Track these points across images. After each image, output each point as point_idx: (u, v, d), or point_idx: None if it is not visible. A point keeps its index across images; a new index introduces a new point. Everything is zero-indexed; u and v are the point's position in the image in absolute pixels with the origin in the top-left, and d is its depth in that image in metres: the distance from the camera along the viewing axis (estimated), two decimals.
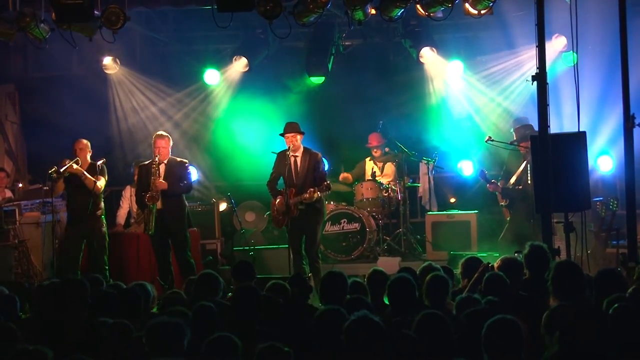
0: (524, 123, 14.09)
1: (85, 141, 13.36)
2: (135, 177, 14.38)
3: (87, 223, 13.04)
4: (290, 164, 13.07)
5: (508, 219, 14.06)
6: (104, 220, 13.38)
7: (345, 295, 7.93)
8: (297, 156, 13.07)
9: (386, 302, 8.04)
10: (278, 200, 13.08)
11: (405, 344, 6.12)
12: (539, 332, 6.31)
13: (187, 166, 13.18)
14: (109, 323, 6.90)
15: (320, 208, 13.16)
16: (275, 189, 13.23)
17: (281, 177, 13.20)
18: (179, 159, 13.15)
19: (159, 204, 12.75)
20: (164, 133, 13.19)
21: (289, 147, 13.02)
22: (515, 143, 13.91)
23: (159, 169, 12.83)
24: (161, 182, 12.74)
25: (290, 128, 13.09)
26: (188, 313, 7.21)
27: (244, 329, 6.87)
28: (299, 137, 13.07)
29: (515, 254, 9.32)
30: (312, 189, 12.71)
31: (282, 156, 13.17)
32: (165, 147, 12.94)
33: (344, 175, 16.17)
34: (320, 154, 13.25)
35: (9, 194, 15.61)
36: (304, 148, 13.18)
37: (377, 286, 8.48)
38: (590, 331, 5.83)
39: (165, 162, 12.92)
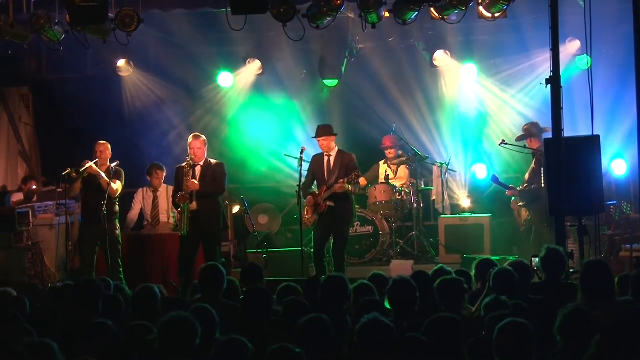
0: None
1: (105, 143, 13.39)
2: (156, 179, 14.50)
3: (102, 225, 13.04)
4: (324, 163, 13.16)
5: (525, 220, 14.12)
6: (118, 224, 13.42)
7: (346, 299, 7.91)
8: (331, 156, 13.15)
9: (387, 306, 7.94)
10: (308, 199, 13.12)
11: (416, 348, 6.11)
12: (549, 336, 6.30)
13: (223, 167, 13.09)
14: (125, 325, 6.91)
15: (350, 208, 13.17)
16: (306, 192, 13.23)
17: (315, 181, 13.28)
18: (214, 161, 13.11)
19: (194, 205, 12.71)
20: (200, 134, 13.16)
21: (323, 150, 13.12)
22: (527, 145, 14.07)
23: (193, 170, 12.83)
24: (193, 182, 12.70)
25: (323, 131, 13.18)
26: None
27: (254, 331, 6.85)
28: (331, 138, 13.13)
29: (532, 258, 9.30)
30: (341, 180, 12.77)
31: (318, 158, 13.28)
32: (201, 149, 12.89)
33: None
34: (354, 155, 13.26)
35: (19, 197, 15.68)
36: (339, 149, 13.26)
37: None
38: (632, 335, 5.78)
39: (201, 163, 12.91)
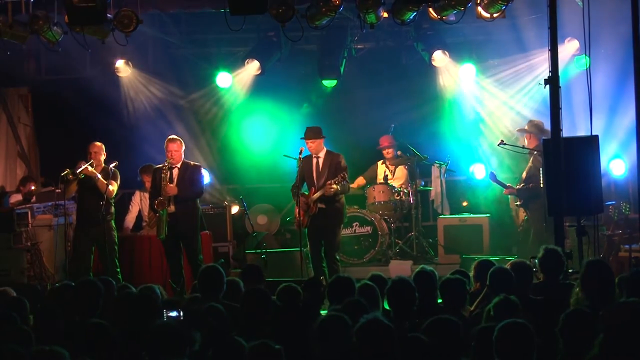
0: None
1: (99, 144, 13.40)
2: (145, 182, 14.48)
3: (98, 227, 13.03)
4: (312, 165, 13.18)
5: (523, 220, 14.13)
6: (114, 225, 13.42)
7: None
8: (319, 157, 13.18)
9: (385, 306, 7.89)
10: (300, 199, 13.10)
11: (415, 348, 6.10)
12: (548, 336, 6.29)
13: (200, 170, 13.13)
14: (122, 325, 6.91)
15: (341, 209, 13.20)
16: (297, 193, 13.19)
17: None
18: (192, 163, 13.12)
19: (171, 208, 12.72)
20: (176, 137, 13.17)
21: (311, 152, 13.13)
22: (525, 145, 14.06)
23: (170, 173, 12.82)
24: (171, 187, 12.71)
25: (311, 134, 13.18)
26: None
27: (254, 332, 6.85)
28: (318, 141, 13.15)
29: (531, 259, 9.30)
30: (328, 183, 12.78)
31: (307, 160, 13.26)
32: (178, 151, 12.89)
33: (358, 181, 16.02)
34: (342, 156, 13.26)
35: (18, 197, 15.67)
36: (327, 150, 13.26)
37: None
38: (635, 336, 5.77)
39: (179, 165, 12.90)
